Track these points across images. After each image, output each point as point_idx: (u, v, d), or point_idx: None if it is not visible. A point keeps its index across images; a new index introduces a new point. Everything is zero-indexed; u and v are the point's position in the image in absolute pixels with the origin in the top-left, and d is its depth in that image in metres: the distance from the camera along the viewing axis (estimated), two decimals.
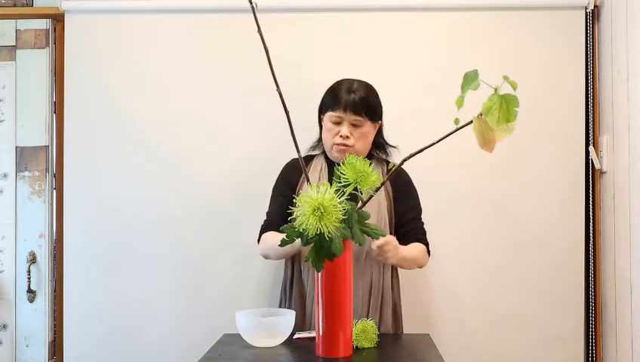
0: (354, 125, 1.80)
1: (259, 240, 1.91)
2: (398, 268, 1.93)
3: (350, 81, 1.84)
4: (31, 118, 2.34)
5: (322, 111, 1.88)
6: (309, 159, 1.95)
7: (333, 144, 1.82)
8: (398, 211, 1.89)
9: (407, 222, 1.89)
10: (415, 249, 1.84)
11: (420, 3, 2.30)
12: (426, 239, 1.91)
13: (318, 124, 1.95)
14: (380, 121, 1.90)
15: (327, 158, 1.92)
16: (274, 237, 1.78)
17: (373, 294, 1.81)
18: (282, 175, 1.95)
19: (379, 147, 1.95)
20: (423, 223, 1.94)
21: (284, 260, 1.95)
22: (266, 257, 1.89)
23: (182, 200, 2.28)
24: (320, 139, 1.94)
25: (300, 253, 1.83)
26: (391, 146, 1.97)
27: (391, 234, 1.87)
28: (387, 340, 1.69)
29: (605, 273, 2.21)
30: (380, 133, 1.93)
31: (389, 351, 1.59)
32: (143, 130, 2.29)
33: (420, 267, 1.89)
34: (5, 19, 2.35)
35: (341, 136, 1.80)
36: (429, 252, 1.91)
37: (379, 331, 1.76)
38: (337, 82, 1.86)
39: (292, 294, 1.86)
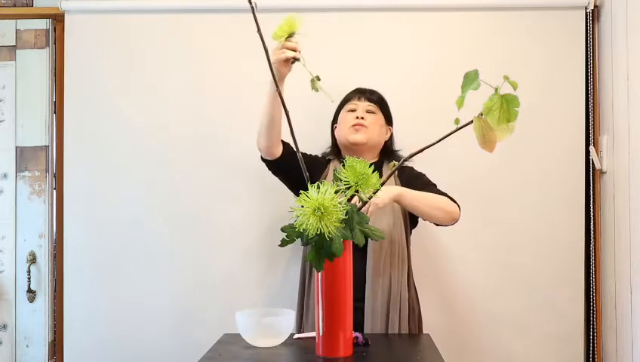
0: (368, 112, 1.93)
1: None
2: (412, 270, 1.92)
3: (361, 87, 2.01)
4: (31, 118, 2.34)
5: (335, 119, 2.00)
6: (327, 162, 2.00)
7: (349, 127, 1.90)
8: None
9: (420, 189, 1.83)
10: (428, 194, 1.79)
11: (421, 3, 2.30)
12: (447, 194, 1.85)
13: (330, 134, 2.05)
14: (390, 127, 2.01)
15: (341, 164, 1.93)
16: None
17: (393, 295, 1.80)
18: (308, 159, 1.89)
19: (389, 155, 2.00)
20: (439, 190, 1.89)
21: (301, 260, 1.97)
22: (258, 139, 1.79)
23: (182, 200, 2.28)
24: (331, 146, 2.05)
25: None
26: (400, 156, 1.98)
27: (407, 234, 1.89)
28: (387, 340, 1.69)
29: (605, 273, 2.21)
30: (390, 140, 2.02)
31: (389, 351, 1.59)
32: (142, 129, 2.30)
33: (450, 214, 1.81)
34: (5, 19, 2.35)
35: (357, 117, 1.90)
36: (457, 205, 1.84)
37: (397, 331, 1.78)
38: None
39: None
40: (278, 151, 1.82)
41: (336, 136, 2.01)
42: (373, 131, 1.91)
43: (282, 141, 1.82)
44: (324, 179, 1.91)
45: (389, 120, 2.01)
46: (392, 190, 1.71)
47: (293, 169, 1.78)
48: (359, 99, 1.95)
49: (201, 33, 2.31)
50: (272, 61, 1.52)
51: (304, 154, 1.90)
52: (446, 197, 1.83)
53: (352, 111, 1.94)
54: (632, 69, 1.98)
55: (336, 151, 2.02)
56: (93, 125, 2.30)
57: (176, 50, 2.31)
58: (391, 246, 1.82)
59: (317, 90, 1.48)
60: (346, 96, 2.00)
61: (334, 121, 2.03)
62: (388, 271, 1.81)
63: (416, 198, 1.76)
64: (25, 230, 2.33)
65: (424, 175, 1.96)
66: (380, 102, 1.97)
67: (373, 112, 1.94)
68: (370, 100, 1.95)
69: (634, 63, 1.97)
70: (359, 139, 1.89)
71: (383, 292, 1.79)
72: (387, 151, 2.00)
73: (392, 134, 2.03)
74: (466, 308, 2.25)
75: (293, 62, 1.59)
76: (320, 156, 2.05)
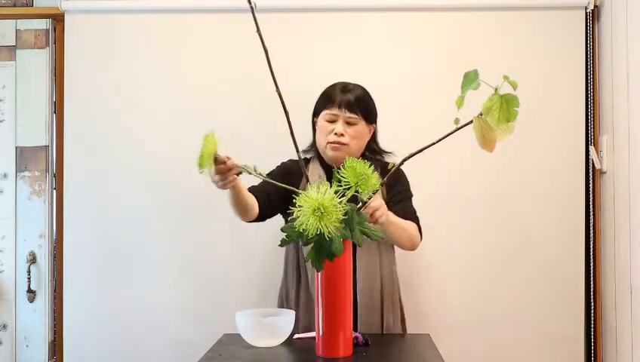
0: (349, 123, 1.78)
1: None
2: (396, 267, 1.92)
3: (345, 83, 1.84)
4: (31, 118, 2.34)
5: (316, 113, 1.86)
6: (305, 162, 1.89)
7: (327, 142, 1.79)
8: (389, 197, 1.83)
9: (397, 203, 1.81)
10: (404, 222, 1.76)
11: (420, 3, 2.30)
12: (416, 219, 1.84)
13: (311, 128, 1.92)
14: (374, 125, 1.88)
15: (322, 163, 1.88)
16: None
17: (386, 295, 1.80)
18: (282, 174, 1.81)
19: (373, 152, 1.91)
20: (413, 206, 1.87)
21: (283, 269, 1.93)
22: (235, 214, 1.74)
23: (182, 200, 2.28)
24: (313, 144, 1.92)
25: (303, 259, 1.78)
26: (386, 152, 1.93)
27: None
28: (387, 340, 1.69)
29: (605, 273, 2.21)
30: (374, 138, 1.90)
31: (389, 351, 1.59)
32: (142, 129, 2.30)
33: (413, 245, 1.80)
34: (5, 19, 2.35)
35: (335, 134, 1.77)
36: (421, 233, 1.83)
37: (392, 331, 1.78)
38: (332, 84, 1.85)
39: (299, 305, 1.81)
40: (256, 210, 1.74)
41: (316, 139, 1.89)
42: (352, 145, 1.79)
43: (250, 192, 1.74)
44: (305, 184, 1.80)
45: (372, 119, 1.85)
46: (388, 213, 1.65)
47: (274, 207, 1.79)
48: (340, 107, 1.77)
49: (201, 33, 2.31)
50: (219, 186, 1.49)
51: (276, 171, 1.85)
52: (415, 226, 1.80)
53: (331, 122, 1.79)
54: (632, 69, 1.98)
55: (317, 149, 1.90)
56: (93, 125, 2.31)
57: (176, 49, 2.31)
58: (379, 246, 1.81)
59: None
60: (327, 93, 1.83)
61: (315, 114, 1.88)
62: (378, 272, 1.79)
63: (399, 227, 1.72)
64: (25, 230, 2.33)
65: (406, 182, 1.89)
66: (362, 107, 1.80)
67: (354, 124, 1.79)
68: (350, 110, 1.77)
69: (634, 63, 1.97)
70: (339, 157, 1.76)
71: (375, 292, 1.77)
72: (370, 149, 1.90)
73: (375, 131, 1.90)
74: (465, 307, 2.25)
75: (239, 174, 1.50)
76: (295, 160, 1.92)
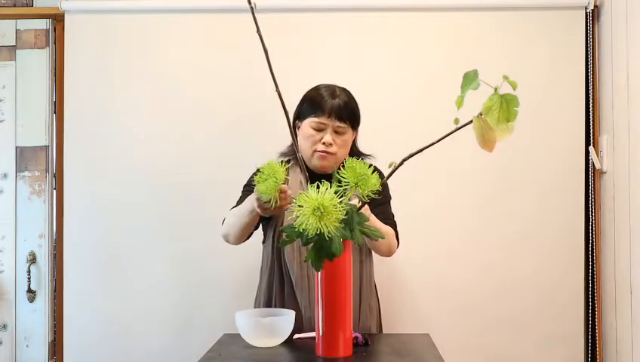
0: (337, 132, 1.73)
1: (223, 222, 1.81)
2: (374, 268, 1.88)
3: (331, 87, 1.77)
4: (31, 118, 2.34)
5: (300, 117, 1.78)
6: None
7: (315, 151, 1.73)
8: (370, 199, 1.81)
9: (377, 206, 1.76)
10: (384, 227, 1.73)
11: (420, 3, 2.30)
12: (394, 224, 1.82)
13: (291, 131, 1.78)
14: (357, 130, 1.84)
15: (302, 169, 1.77)
16: (233, 210, 1.73)
17: (364, 302, 1.78)
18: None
19: (352, 155, 1.80)
20: (391, 211, 1.85)
21: (260, 272, 1.89)
22: (226, 237, 1.78)
23: (182, 200, 2.29)
24: (291, 146, 1.86)
25: (293, 274, 1.73)
26: (365, 155, 1.88)
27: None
28: (387, 340, 1.69)
29: (605, 273, 2.21)
30: (354, 141, 1.85)
31: (388, 350, 1.58)
32: (142, 129, 2.30)
33: (390, 252, 1.78)
34: (5, 19, 2.36)
35: (324, 143, 1.71)
36: (398, 239, 1.80)
37: (370, 329, 1.76)
38: (316, 88, 1.79)
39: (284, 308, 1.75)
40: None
41: (298, 143, 1.75)
42: (339, 154, 1.74)
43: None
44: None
45: (357, 126, 1.80)
46: (373, 218, 1.65)
47: (258, 222, 1.78)
48: (329, 116, 1.70)
49: (201, 33, 2.31)
50: (267, 213, 1.51)
51: (253, 180, 1.67)
52: (393, 232, 1.77)
53: (318, 130, 1.72)
54: (632, 69, 1.98)
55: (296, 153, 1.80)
56: (93, 125, 2.31)
57: (175, 50, 2.31)
58: (360, 254, 1.78)
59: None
60: (314, 99, 1.74)
61: (298, 118, 1.79)
62: (358, 280, 1.76)
63: (374, 227, 1.64)
64: (25, 230, 2.33)
65: (386, 186, 1.83)
66: (350, 116, 1.74)
67: (342, 133, 1.73)
68: (340, 119, 1.71)
69: (634, 63, 1.97)
70: (325, 166, 1.73)
71: (354, 299, 1.73)
72: (350, 153, 1.82)
73: (356, 136, 1.84)
74: (465, 307, 2.25)
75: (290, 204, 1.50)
76: None
